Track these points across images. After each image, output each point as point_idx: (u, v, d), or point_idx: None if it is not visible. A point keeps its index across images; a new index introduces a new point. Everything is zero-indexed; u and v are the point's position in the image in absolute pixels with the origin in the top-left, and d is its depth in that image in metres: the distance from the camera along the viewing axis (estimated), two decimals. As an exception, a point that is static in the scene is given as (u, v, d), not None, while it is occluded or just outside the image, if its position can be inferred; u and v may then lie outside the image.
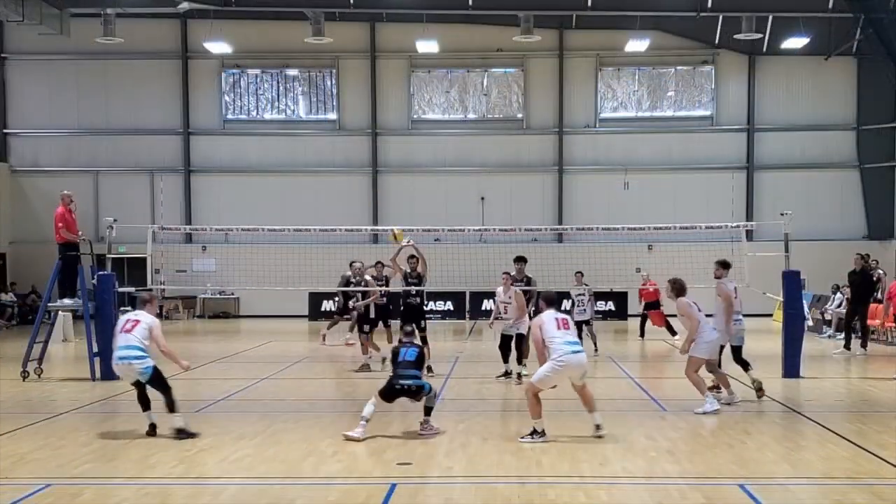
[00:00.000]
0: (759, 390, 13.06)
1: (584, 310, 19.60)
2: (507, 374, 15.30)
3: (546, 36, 31.08)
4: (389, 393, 10.72)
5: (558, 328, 10.39)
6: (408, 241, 16.45)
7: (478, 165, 32.69)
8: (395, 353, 11.02)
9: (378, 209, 32.50)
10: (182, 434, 10.53)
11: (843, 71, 32.09)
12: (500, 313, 15.54)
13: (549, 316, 10.56)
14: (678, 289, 12.41)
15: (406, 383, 10.67)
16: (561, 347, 10.25)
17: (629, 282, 24.91)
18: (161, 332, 11.44)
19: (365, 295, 16.85)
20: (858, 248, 25.72)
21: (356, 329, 17.93)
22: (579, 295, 19.68)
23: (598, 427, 10.46)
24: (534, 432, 10.23)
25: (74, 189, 18.73)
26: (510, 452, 9.78)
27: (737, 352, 13.50)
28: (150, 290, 13.15)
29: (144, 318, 11.45)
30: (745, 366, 13.42)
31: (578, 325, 19.65)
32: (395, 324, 17.02)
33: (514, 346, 15.20)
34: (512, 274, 15.84)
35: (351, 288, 17.39)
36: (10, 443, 10.41)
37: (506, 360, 15.30)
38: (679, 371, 17.75)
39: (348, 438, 10.33)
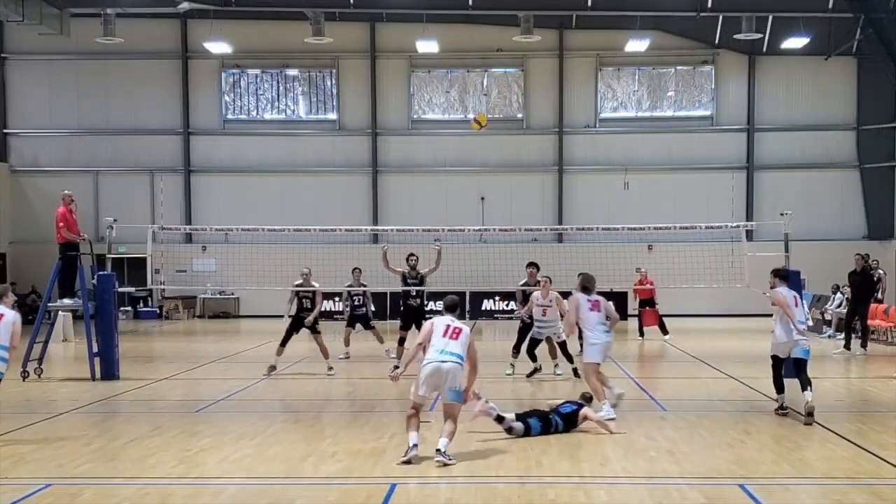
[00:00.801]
0: (809, 415, 11.29)
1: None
2: (536, 370, 15.51)
3: (546, 36, 31.07)
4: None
5: (444, 334, 9.73)
6: (437, 245, 16.72)
7: (478, 165, 32.69)
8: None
9: (378, 209, 32.50)
10: None
11: (843, 71, 32.08)
12: (526, 317, 15.83)
13: (441, 320, 9.97)
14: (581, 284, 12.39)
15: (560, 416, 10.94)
16: (429, 354, 9.64)
17: (629, 282, 24.88)
18: (18, 329, 10.72)
19: (312, 302, 16.58)
20: (858, 248, 25.71)
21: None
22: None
23: (437, 451, 9.30)
24: (414, 446, 9.38)
25: (74, 189, 18.72)
26: (510, 452, 9.78)
27: (797, 366, 11.74)
28: (6, 283, 12.32)
29: (8, 312, 10.67)
30: (779, 386, 11.91)
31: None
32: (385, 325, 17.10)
33: (560, 348, 15.48)
34: (526, 280, 16.09)
35: (305, 289, 17.02)
36: (10, 443, 10.40)
37: (534, 359, 15.51)
38: (679, 371, 17.80)
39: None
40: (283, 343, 16.49)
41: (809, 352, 11.88)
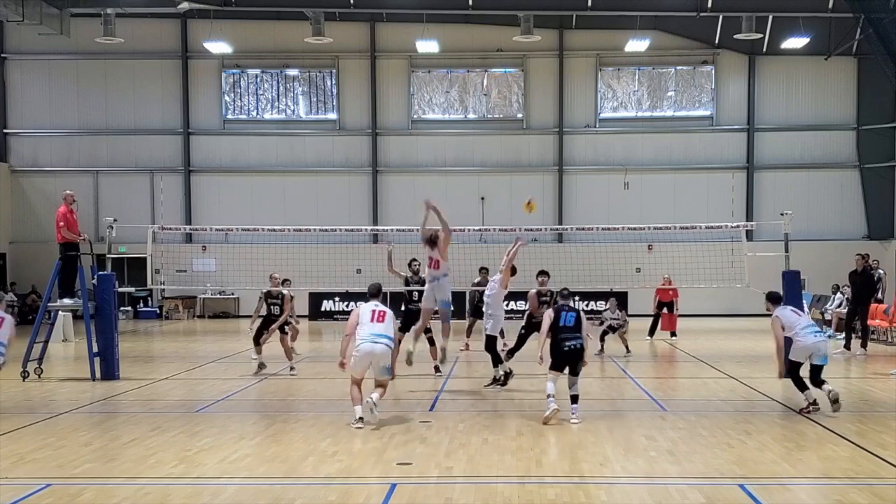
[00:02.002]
0: (836, 401, 11.85)
1: (618, 322, 19.79)
2: (495, 380, 14.41)
3: (546, 36, 31.09)
4: (561, 360, 11.44)
5: (371, 319, 11.07)
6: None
7: (478, 165, 32.70)
8: (557, 317, 11.55)
9: (378, 209, 32.51)
10: None
11: (843, 71, 32.11)
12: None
13: (366, 306, 11.24)
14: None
15: (572, 343, 11.39)
16: (360, 336, 10.96)
17: (629, 282, 24.90)
18: (14, 329, 12.07)
19: (281, 308, 16.55)
20: (858, 248, 25.76)
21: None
22: (614, 318, 19.79)
23: (371, 399, 10.98)
24: (359, 419, 10.98)
25: (74, 189, 18.76)
26: (510, 452, 9.78)
27: (813, 371, 12.16)
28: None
29: (5, 315, 11.90)
30: (801, 385, 12.17)
31: (608, 329, 19.79)
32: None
33: (487, 343, 14.41)
34: (538, 289, 15.31)
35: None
36: (10, 443, 10.40)
37: (495, 363, 14.44)
38: (679, 371, 17.80)
39: (546, 420, 11.14)
40: (257, 342, 16.52)
41: (828, 358, 12.19)
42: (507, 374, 14.33)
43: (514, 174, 32.62)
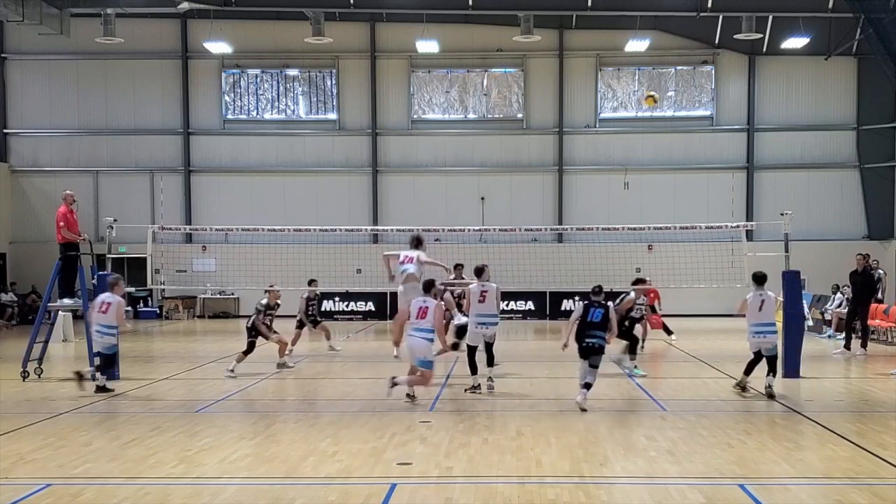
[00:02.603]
0: (743, 388, 14.01)
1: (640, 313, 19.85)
2: (475, 387, 14.00)
3: (546, 36, 31.09)
4: (581, 352, 12.35)
5: (416, 316, 12.49)
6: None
7: (478, 165, 32.70)
8: (585, 312, 12.44)
9: (378, 209, 32.50)
10: (101, 389, 13.89)
11: (843, 71, 32.10)
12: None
13: (416, 302, 12.70)
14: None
15: (591, 341, 12.29)
16: (409, 330, 12.57)
17: (629, 282, 24.77)
18: (122, 311, 14.22)
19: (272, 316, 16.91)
20: (858, 248, 25.75)
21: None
22: (639, 303, 19.83)
23: (393, 378, 12.58)
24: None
25: (74, 189, 18.77)
26: (510, 452, 9.78)
27: (767, 361, 13.78)
28: (117, 274, 15.03)
29: (114, 299, 14.04)
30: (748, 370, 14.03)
31: (633, 322, 19.92)
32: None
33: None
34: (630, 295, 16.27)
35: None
36: (10, 443, 10.41)
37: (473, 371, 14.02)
38: (679, 371, 17.79)
39: (581, 406, 12.06)
40: (248, 352, 16.50)
41: (776, 348, 13.90)
42: (489, 382, 14.23)
43: (514, 174, 32.62)
